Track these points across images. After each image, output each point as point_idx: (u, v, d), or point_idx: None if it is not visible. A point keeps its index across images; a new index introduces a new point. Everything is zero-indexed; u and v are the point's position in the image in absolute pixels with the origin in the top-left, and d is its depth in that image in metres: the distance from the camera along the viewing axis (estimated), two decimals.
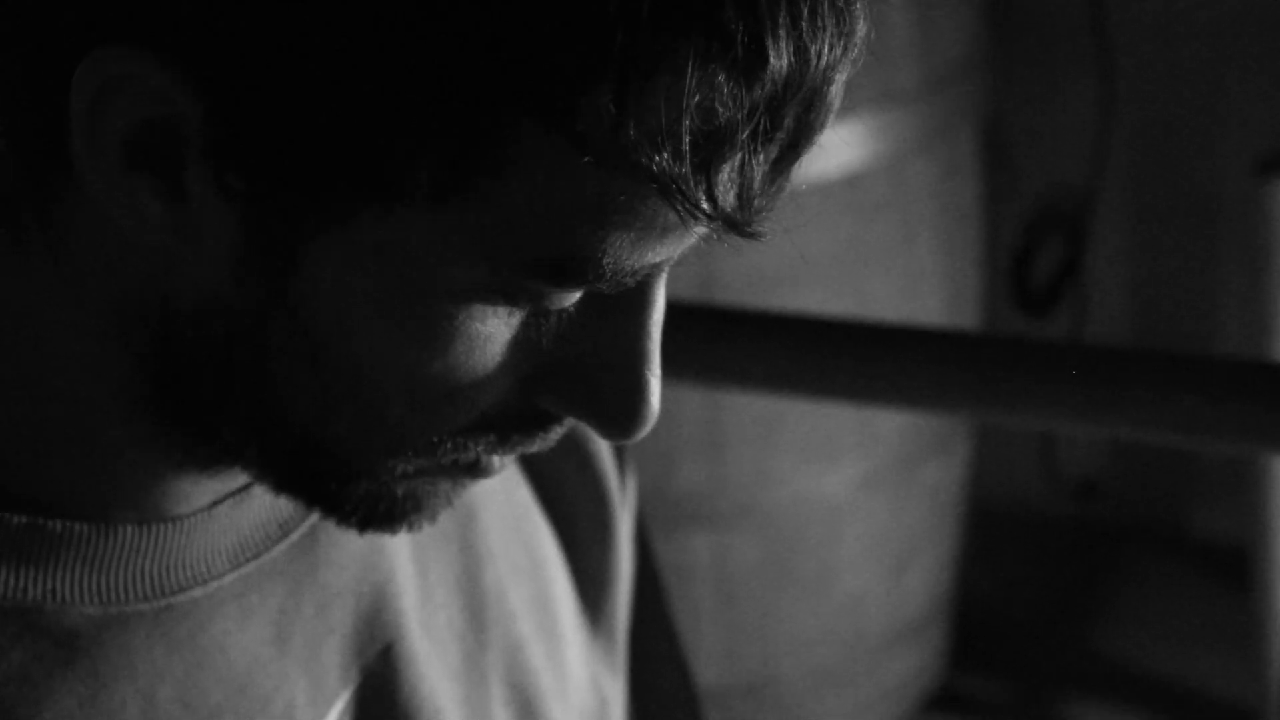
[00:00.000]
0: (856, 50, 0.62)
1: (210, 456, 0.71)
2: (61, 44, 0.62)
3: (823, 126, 0.63)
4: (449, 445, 0.68)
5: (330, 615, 0.78)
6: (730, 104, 0.59)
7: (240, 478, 0.73)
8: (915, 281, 2.41)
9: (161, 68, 0.60)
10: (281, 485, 0.71)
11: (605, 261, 0.62)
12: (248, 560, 0.75)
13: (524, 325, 0.66)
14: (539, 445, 0.71)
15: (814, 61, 0.60)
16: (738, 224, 0.62)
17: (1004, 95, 2.69)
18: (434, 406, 0.66)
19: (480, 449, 0.69)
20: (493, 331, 0.65)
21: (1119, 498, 3.13)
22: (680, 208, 0.60)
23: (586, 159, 0.59)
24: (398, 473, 0.69)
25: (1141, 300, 3.02)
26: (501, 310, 0.65)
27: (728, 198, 0.61)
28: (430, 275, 0.63)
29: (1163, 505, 3.12)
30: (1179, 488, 3.10)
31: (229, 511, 0.74)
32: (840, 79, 0.62)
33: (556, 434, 0.71)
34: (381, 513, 0.71)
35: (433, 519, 0.73)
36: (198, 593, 0.73)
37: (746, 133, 0.60)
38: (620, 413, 0.68)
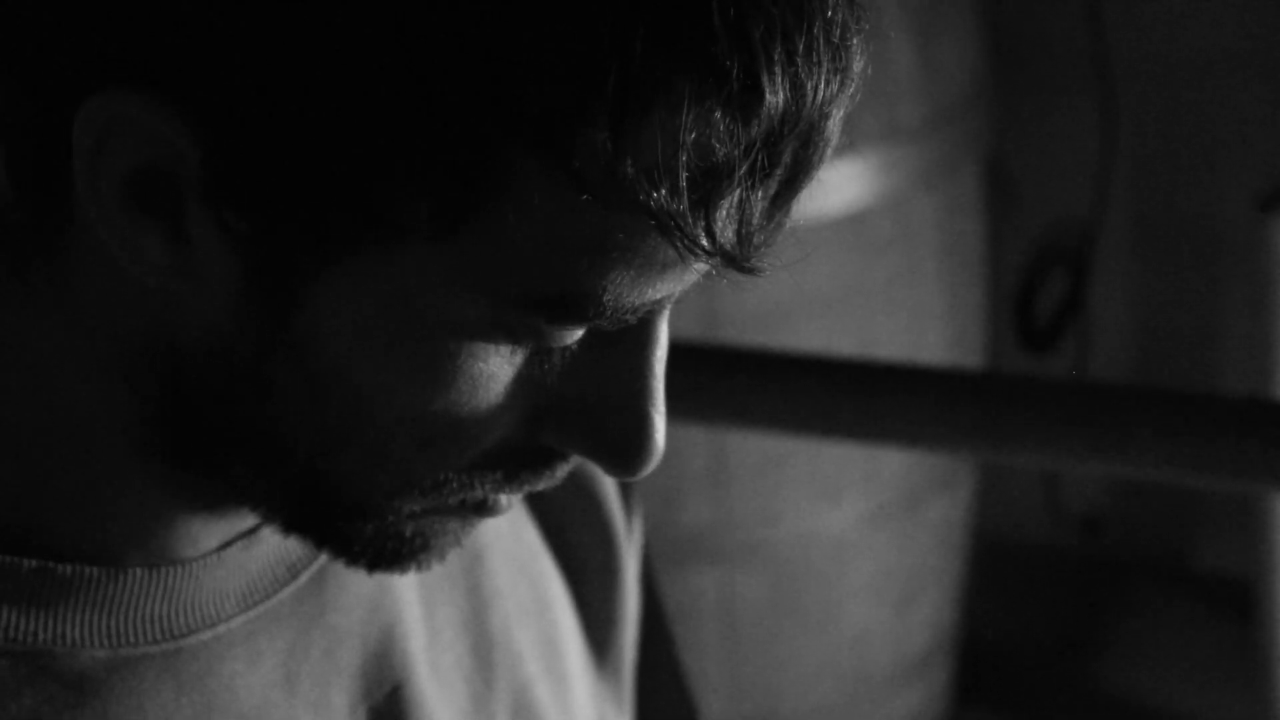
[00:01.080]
0: (853, 86, 0.62)
1: (219, 496, 0.71)
2: (64, 85, 0.62)
3: (821, 162, 0.63)
4: (455, 484, 0.68)
5: (338, 657, 0.77)
6: (727, 140, 0.59)
7: (249, 519, 0.73)
8: (919, 317, 2.41)
9: (161, 110, 0.60)
10: (290, 525, 0.71)
11: (606, 299, 0.62)
12: (256, 603, 0.75)
13: (527, 363, 0.66)
14: (546, 483, 0.71)
15: (810, 97, 0.60)
16: (737, 260, 0.62)
17: (1006, 131, 2.69)
18: (438, 444, 0.66)
19: (487, 488, 0.69)
20: (496, 370, 0.65)
21: (1123, 533, 3.13)
22: (679, 244, 0.60)
23: (585, 196, 0.59)
24: (405, 512, 0.69)
25: (1145, 334, 3.02)
26: (504, 348, 0.65)
27: (726, 234, 0.61)
28: (432, 313, 0.63)
29: (1166, 540, 3.11)
30: (1182, 522, 3.09)
31: (238, 554, 0.74)
32: (838, 114, 0.62)
33: (563, 471, 0.71)
34: (390, 552, 0.71)
35: (441, 558, 0.73)
36: (207, 635, 0.73)
37: (744, 169, 0.60)
38: (625, 450, 0.68)
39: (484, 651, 0.85)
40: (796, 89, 0.60)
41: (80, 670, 0.70)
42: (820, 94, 0.60)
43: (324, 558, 0.77)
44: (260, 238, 0.62)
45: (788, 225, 0.65)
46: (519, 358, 0.66)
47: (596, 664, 0.93)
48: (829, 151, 0.63)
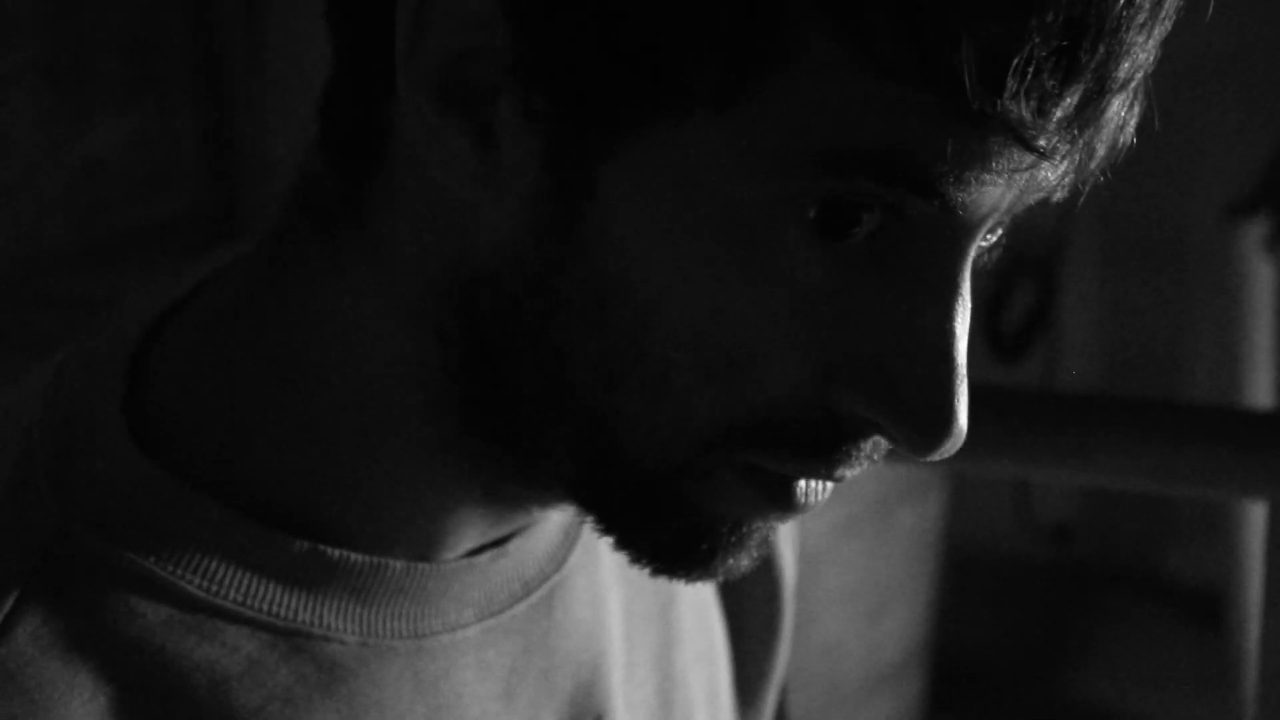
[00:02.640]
0: (1165, 11, 0.62)
1: (498, 479, 0.71)
2: None
3: (1126, 69, 0.62)
4: (741, 441, 0.66)
5: (554, 680, 0.78)
6: (1020, 16, 0.58)
7: (507, 524, 0.74)
8: None
9: None
10: (577, 495, 0.69)
11: (894, 164, 0.60)
12: (491, 614, 0.75)
13: (819, 293, 0.64)
14: (838, 470, 0.67)
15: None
16: (1030, 134, 0.60)
17: None
18: (721, 376, 0.64)
19: (780, 461, 0.66)
20: (784, 271, 0.63)
21: (1093, 542, 3.14)
22: (969, 111, 0.59)
23: (873, 62, 0.59)
24: (696, 474, 0.67)
25: (1113, 343, 3.03)
26: (793, 245, 0.63)
27: (1019, 106, 0.60)
28: (720, 196, 0.62)
29: (1137, 549, 3.12)
30: (1153, 531, 3.10)
31: (486, 564, 0.74)
32: (1145, 27, 0.62)
33: (855, 461, 0.67)
34: (702, 552, 0.69)
35: (740, 564, 0.70)
36: (445, 639, 0.73)
37: (1038, 49, 0.59)
38: (922, 414, 0.64)
39: (667, 691, 0.85)
40: None
41: (332, 655, 0.71)
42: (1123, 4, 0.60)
43: (555, 578, 0.77)
44: (560, 117, 0.62)
45: (1104, 132, 0.64)
46: (811, 264, 0.63)
47: (741, 717, 0.94)
48: (1137, 63, 0.62)
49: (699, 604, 0.88)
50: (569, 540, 0.79)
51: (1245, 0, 2.68)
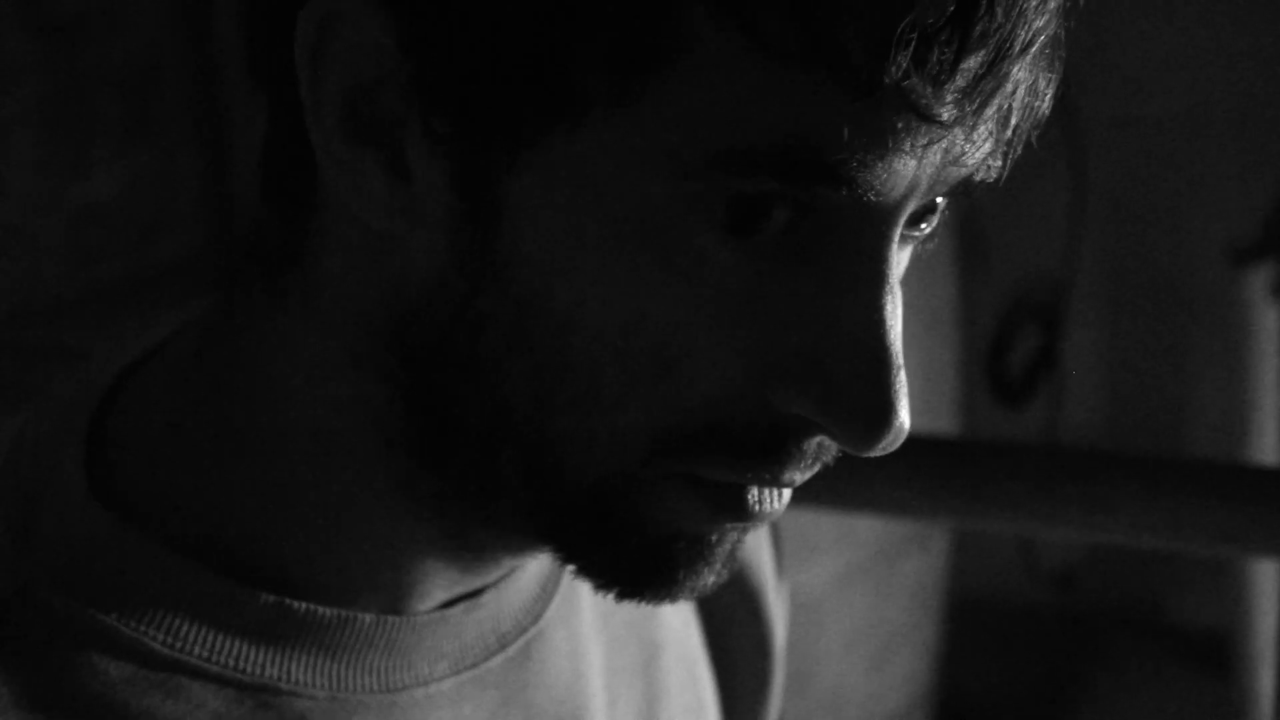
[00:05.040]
0: None
1: (456, 525, 0.70)
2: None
3: (1020, 41, 0.60)
4: (681, 451, 0.65)
5: None
6: None
7: (475, 577, 0.73)
8: None
9: (369, 8, 0.62)
10: (531, 524, 0.68)
11: (787, 154, 0.59)
12: (466, 668, 0.74)
13: (739, 276, 0.63)
14: (785, 474, 0.66)
15: None
16: (922, 101, 0.59)
17: None
18: (650, 382, 0.63)
19: (720, 471, 0.65)
20: (699, 272, 0.62)
21: (1098, 587, 3.12)
22: (856, 88, 0.58)
23: (761, 50, 0.58)
24: (641, 487, 0.66)
25: (1117, 388, 3.03)
26: (705, 245, 0.62)
27: (911, 75, 0.59)
28: (626, 199, 0.61)
29: (1142, 594, 3.11)
30: (1157, 576, 3.09)
31: (459, 616, 0.74)
32: None
33: (801, 463, 0.66)
34: (662, 569, 0.68)
35: (702, 583, 0.69)
36: (419, 693, 0.73)
37: (928, 16, 0.58)
38: (859, 406, 0.63)
39: None
40: None
41: (301, 710, 0.70)
42: None
43: (533, 630, 0.76)
44: (462, 137, 0.62)
45: (1014, 100, 0.62)
46: (722, 258, 0.62)
47: None
48: (1035, 29, 0.61)
49: (686, 658, 0.87)
50: (546, 593, 0.78)
51: (1251, 46, 2.68)
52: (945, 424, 2.59)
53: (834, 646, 2.51)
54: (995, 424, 2.99)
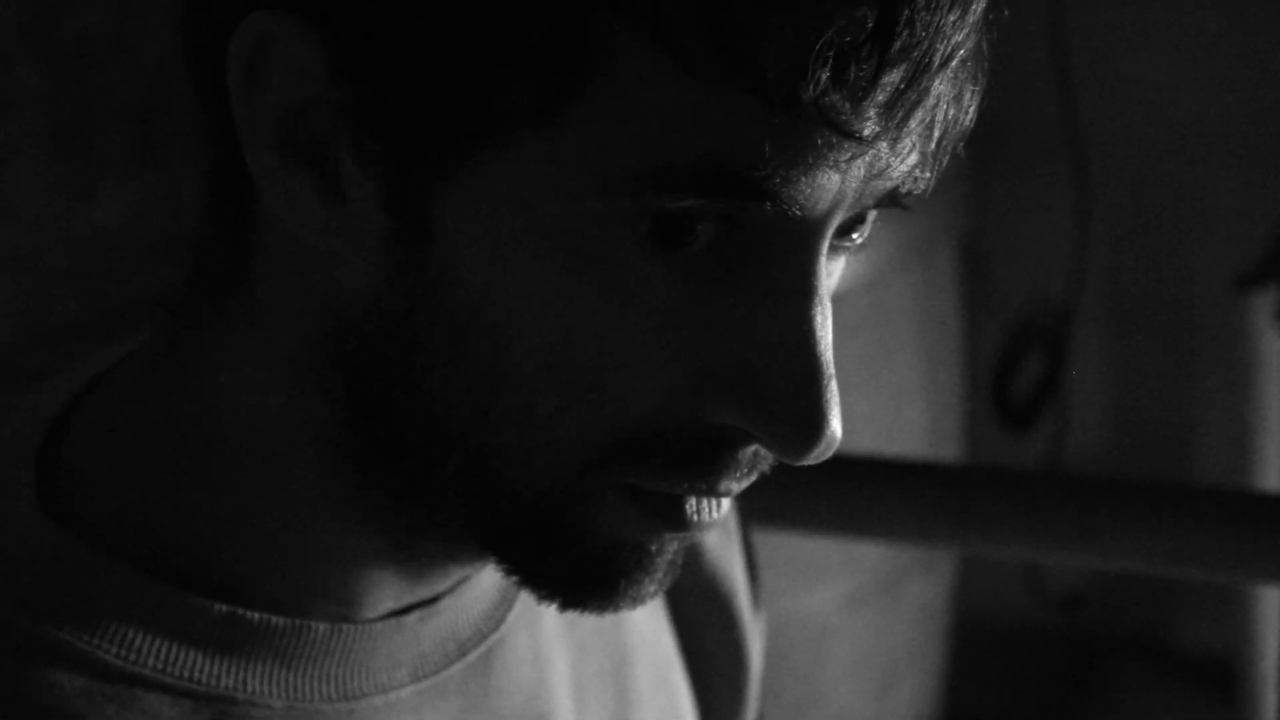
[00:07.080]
0: None
1: (404, 535, 0.71)
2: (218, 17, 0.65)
3: (939, 55, 0.61)
4: (615, 463, 0.65)
5: None
6: (822, 4, 0.58)
7: (428, 584, 0.73)
8: (896, 399, 2.40)
9: (296, 27, 0.62)
10: (475, 535, 0.69)
11: (709, 173, 0.60)
12: (426, 676, 0.75)
13: (668, 290, 0.63)
14: (721, 483, 0.67)
15: None
16: (841, 117, 0.60)
17: (981, 210, 2.70)
18: (584, 396, 0.64)
19: (657, 479, 0.66)
20: (627, 287, 0.63)
21: (1104, 611, 3.12)
22: (778, 107, 0.59)
23: (683, 69, 0.59)
24: (579, 498, 0.67)
25: (1122, 412, 3.02)
26: (632, 260, 0.63)
27: (830, 91, 0.59)
28: (553, 216, 0.62)
29: (1149, 618, 3.11)
30: (1165, 600, 3.09)
31: (415, 624, 0.74)
32: (955, 7, 0.60)
33: (736, 473, 0.67)
34: (604, 579, 0.69)
35: (640, 594, 0.70)
36: (378, 701, 0.73)
37: (845, 33, 0.58)
38: (791, 416, 0.64)
39: None
40: None
41: None
42: None
43: (494, 637, 0.77)
44: (392, 157, 0.63)
45: (937, 113, 0.63)
46: (652, 277, 0.63)
47: None
48: (953, 44, 0.61)
49: (658, 664, 0.87)
50: (507, 600, 0.79)
51: (1255, 72, 2.68)
52: (950, 448, 2.59)
53: (840, 671, 2.50)
54: (1000, 448, 2.98)
